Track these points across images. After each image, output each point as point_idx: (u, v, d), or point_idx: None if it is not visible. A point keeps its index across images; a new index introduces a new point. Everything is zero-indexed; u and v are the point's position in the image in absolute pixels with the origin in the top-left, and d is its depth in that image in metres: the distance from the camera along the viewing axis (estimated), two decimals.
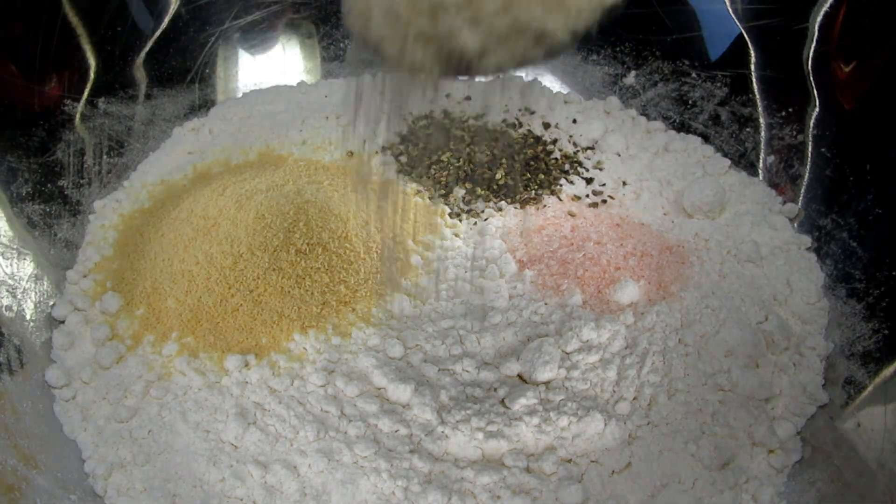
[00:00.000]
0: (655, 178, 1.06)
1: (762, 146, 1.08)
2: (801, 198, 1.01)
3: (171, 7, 1.17)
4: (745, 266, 0.94)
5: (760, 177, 1.06)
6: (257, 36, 1.24)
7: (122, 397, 0.82)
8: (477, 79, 1.22)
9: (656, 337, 0.85)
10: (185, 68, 1.19)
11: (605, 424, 0.77)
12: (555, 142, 1.12)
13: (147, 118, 1.14)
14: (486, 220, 1.00)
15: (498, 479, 0.73)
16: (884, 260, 0.88)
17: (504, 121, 1.14)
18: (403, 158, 1.08)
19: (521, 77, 1.22)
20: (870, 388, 0.81)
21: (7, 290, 0.89)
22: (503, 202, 1.03)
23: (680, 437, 0.78)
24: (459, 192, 1.04)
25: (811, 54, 1.03)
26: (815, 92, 1.02)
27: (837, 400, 0.82)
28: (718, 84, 1.13)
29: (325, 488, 0.74)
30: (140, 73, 1.15)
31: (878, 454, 0.75)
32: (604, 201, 1.03)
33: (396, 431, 0.77)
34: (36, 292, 0.91)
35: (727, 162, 1.07)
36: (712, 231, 0.98)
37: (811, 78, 1.03)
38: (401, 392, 0.79)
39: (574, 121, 1.14)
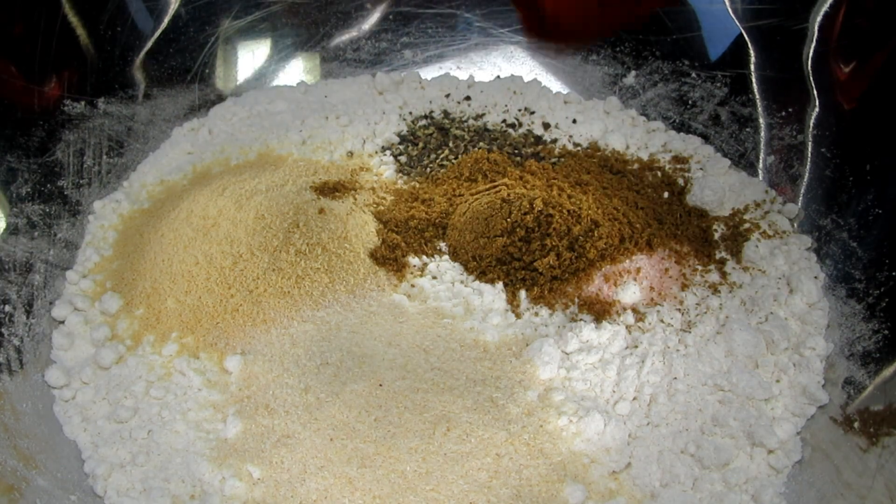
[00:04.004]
0: None
1: (762, 146, 1.08)
2: (801, 198, 1.01)
3: (171, 7, 1.17)
4: (745, 266, 0.94)
5: (760, 177, 1.06)
6: (257, 36, 1.24)
7: (121, 397, 0.81)
8: (477, 79, 1.23)
9: (656, 337, 0.85)
10: (185, 68, 1.19)
11: (605, 424, 0.77)
12: (555, 142, 1.12)
13: (147, 118, 1.14)
14: None
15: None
16: (884, 260, 0.88)
17: (504, 121, 1.14)
18: (403, 158, 1.08)
19: (521, 77, 1.22)
20: (870, 388, 0.81)
21: (7, 291, 0.89)
22: None
23: (680, 437, 0.78)
24: None
25: (811, 54, 1.03)
26: (815, 92, 1.02)
27: (837, 400, 0.82)
28: (718, 84, 1.13)
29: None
30: (140, 73, 1.15)
31: (878, 454, 0.75)
32: None
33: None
34: (36, 292, 0.91)
35: (727, 162, 1.07)
36: None
37: (811, 78, 1.02)
38: None
39: (574, 121, 1.14)
